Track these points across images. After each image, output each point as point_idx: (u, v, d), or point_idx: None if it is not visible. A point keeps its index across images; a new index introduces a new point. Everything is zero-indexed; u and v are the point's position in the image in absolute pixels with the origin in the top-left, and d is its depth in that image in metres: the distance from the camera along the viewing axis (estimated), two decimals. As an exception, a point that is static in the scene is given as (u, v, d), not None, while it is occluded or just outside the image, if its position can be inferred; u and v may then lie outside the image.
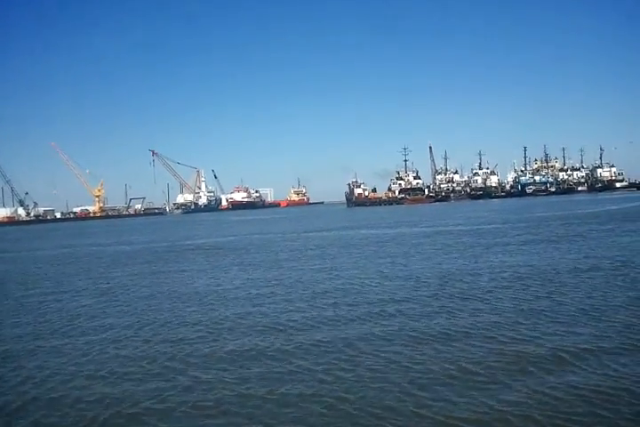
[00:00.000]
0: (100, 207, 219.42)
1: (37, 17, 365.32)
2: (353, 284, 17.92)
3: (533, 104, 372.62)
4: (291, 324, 12.70)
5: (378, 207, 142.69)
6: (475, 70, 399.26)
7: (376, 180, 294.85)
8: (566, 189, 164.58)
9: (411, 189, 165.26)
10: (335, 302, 14.92)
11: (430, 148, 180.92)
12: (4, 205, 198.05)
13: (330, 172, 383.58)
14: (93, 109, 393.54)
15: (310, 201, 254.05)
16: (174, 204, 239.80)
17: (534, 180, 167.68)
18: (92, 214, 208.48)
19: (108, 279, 22.72)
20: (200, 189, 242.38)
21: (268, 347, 10.91)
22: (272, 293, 17.05)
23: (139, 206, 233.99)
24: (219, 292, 17.91)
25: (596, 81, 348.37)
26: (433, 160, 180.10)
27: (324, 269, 22.12)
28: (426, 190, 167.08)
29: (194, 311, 14.84)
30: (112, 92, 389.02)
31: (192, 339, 11.88)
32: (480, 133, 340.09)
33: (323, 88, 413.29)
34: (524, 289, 15.35)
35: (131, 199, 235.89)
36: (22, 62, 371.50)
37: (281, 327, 12.43)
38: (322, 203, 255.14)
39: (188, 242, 43.62)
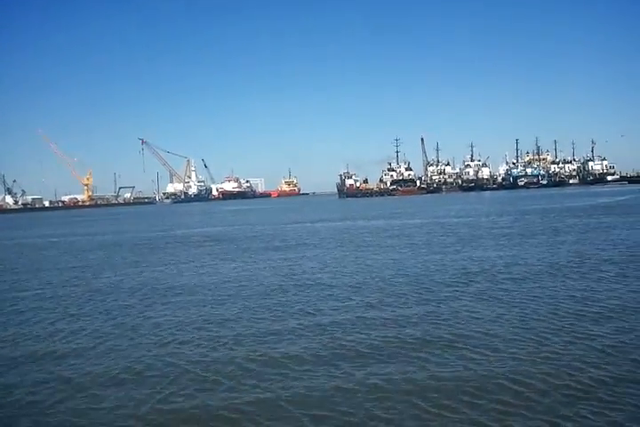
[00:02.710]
0: (89, 196, 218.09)
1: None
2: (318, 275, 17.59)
3: (526, 97, 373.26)
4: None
5: (370, 198, 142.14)
6: (467, 64, 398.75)
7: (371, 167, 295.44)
8: (558, 181, 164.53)
9: (402, 180, 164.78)
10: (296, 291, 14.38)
11: (422, 139, 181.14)
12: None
13: (319, 163, 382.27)
14: (81, 97, 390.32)
15: (301, 192, 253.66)
16: (164, 193, 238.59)
17: (526, 172, 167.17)
18: (80, 203, 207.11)
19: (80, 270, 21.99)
20: (190, 178, 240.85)
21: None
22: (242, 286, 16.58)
23: (128, 195, 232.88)
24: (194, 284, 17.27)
25: (589, 74, 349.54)
26: (425, 152, 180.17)
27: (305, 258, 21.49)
28: (418, 182, 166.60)
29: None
30: (101, 80, 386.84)
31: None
32: (472, 126, 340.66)
33: (318, 82, 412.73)
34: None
35: (120, 188, 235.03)
36: (8, 50, 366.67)
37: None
38: (312, 193, 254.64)
39: (178, 231, 42.90)
